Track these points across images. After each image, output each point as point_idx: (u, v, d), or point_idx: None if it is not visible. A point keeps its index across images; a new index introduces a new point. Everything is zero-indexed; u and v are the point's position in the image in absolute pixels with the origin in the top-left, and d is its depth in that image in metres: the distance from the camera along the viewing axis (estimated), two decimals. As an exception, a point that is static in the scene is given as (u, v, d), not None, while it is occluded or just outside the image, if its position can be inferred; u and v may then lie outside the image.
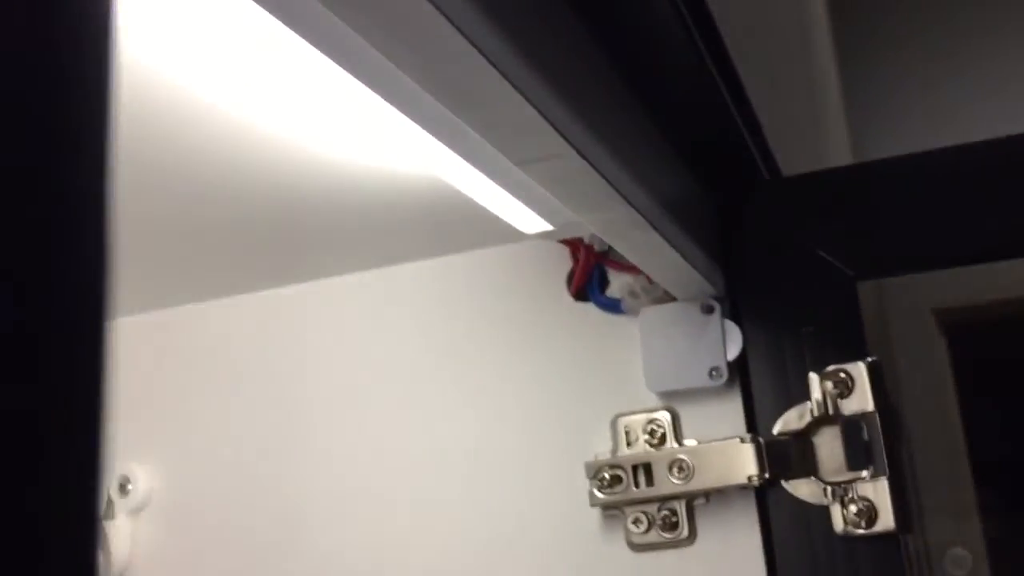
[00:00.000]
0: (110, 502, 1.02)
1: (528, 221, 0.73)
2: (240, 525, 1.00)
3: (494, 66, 0.43)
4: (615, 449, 0.89)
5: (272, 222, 0.91)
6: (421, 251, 0.98)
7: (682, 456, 0.84)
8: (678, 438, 0.88)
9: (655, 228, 0.66)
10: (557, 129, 0.50)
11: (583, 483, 0.87)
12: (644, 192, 0.65)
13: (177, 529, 1.02)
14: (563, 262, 0.95)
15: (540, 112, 0.48)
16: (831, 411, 0.82)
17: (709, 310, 0.87)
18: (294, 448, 1.00)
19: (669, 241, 0.70)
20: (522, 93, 0.46)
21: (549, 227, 0.73)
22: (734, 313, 0.88)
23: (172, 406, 1.05)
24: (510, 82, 0.45)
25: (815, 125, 1.30)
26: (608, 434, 0.90)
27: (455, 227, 0.94)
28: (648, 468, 0.86)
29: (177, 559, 1.02)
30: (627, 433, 0.89)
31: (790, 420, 0.83)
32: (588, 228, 0.68)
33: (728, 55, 0.75)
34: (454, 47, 0.41)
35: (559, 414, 0.93)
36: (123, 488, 1.02)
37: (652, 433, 0.88)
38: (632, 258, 0.76)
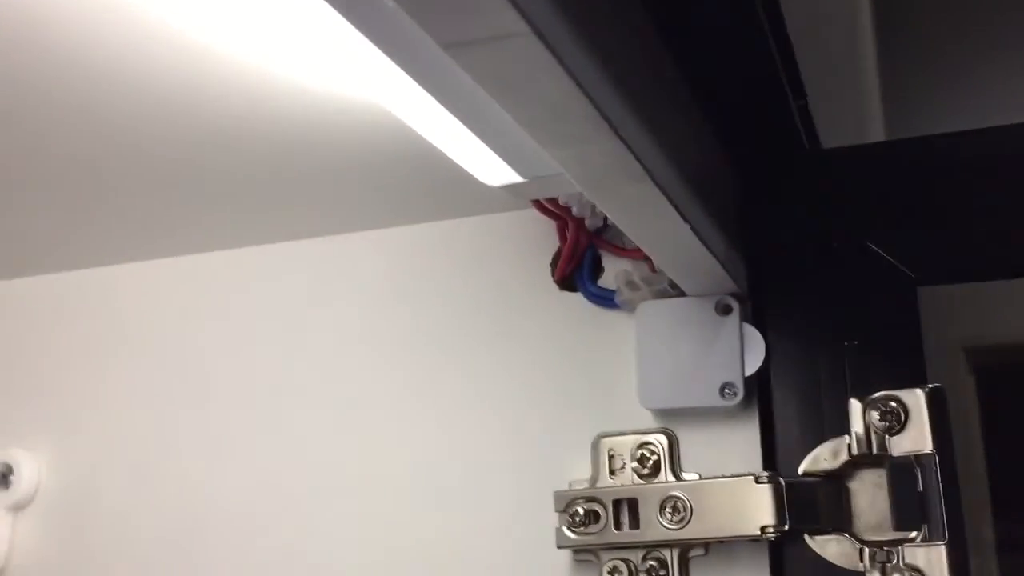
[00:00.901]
0: (-12, 495, 0.85)
1: (491, 169, 0.54)
2: (138, 528, 0.82)
3: None
4: (595, 477, 0.71)
5: (195, 176, 0.74)
6: (375, 218, 0.80)
7: (678, 494, 0.66)
8: (675, 469, 0.69)
9: (656, 182, 0.48)
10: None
11: (552, 517, 0.69)
12: (641, 126, 0.46)
13: (65, 529, 0.85)
14: (549, 240, 0.76)
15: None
16: (876, 450, 0.63)
17: (726, 310, 0.69)
18: (207, 442, 0.82)
19: (676, 206, 0.52)
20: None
21: (518, 178, 0.54)
22: (757, 317, 0.69)
23: (66, 385, 0.87)
24: None
25: (857, 97, 1.11)
26: (588, 457, 0.71)
27: (417, 190, 0.76)
28: (634, 505, 0.67)
29: (64, 565, 0.84)
30: (612, 458, 0.71)
31: (821, 457, 0.65)
32: (571, 185, 0.50)
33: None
34: None
35: (530, 428, 0.74)
36: (3, 479, 0.85)
37: (643, 460, 0.70)
38: (628, 229, 0.57)
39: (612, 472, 0.70)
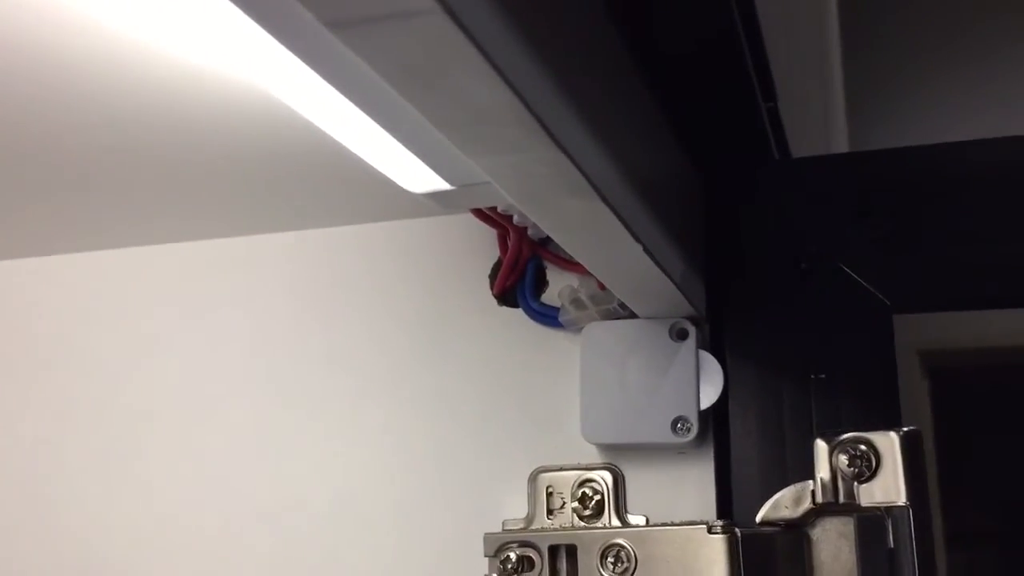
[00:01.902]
0: None
1: (413, 174, 0.47)
2: (24, 561, 0.73)
3: None
4: (532, 516, 0.63)
5: (87, 168, 0.65)
6: (289, 219, 0.72)
7: (621, 542, 0.58)
8: (620, 511, 0.62)
9: (604, 198, 0.41)
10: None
11: (483, 561, 0.61)
12: (586, 130, 0.39)
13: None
14: (488, 249, 0.69)
15: None
16: (843, 498, 0.56)
17: (681, 335, 0.62)
18: (103, 463, 0.73)
19: (627, 224, 0.44)
20: None
21: (445, 186, 0.47)
22: (715, 343, 0.62)
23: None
24: None
25: (825, 108, 1.04)
26: (524, 494, 0.64)
27: (336, 189, 0.67)
28: (573, 552, 0.60)
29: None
30: (550, 496, 0.63)
31: (782, 504, 0.58)
32: (506, 195, 0.43)
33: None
34: None
35: (461, 459, 0.67)
36: None
37: (584, 500, 0.62)
38: (570, 248, 0.50)
39: (550, 511, 0.63)
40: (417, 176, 0.47)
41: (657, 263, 0.50)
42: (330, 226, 0.71)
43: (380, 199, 0.68)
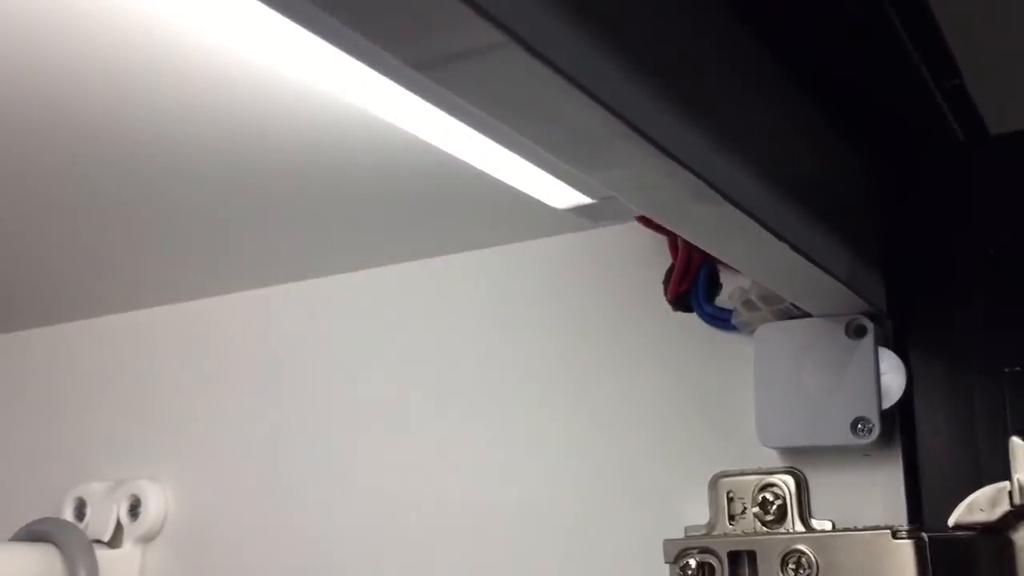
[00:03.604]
0: (118, 527, 0.86)
1: (555, 192, 0.48)
2: (265, 558, 0.81)
3: None
4: (714, 522, 0.63)
5: (299, 204, 0.72)
6: (473, 239, 0.75)
7: (803, 548, 0.57)
8: (804, 516, 0.60)
9: (735, 202, 0.40)
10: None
11: (662, 569, 0.62)
12: (706, 134, 0.39)
13: (193, 560, 0.85)
14: (661, 255, 0.69)
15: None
16: (1045, 500, 0.52)
17: (859, 332, 0.59)
18: (326, 472, 0.80)
19: (768, 226, 0.44)
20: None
21: (586, 199, 0.48)
22: (898, 339, 0.59)
23: (191, 415, 0.87)
24: None
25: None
26: (705, 499, 0.64)
27: (515, 206, 0.70)
28: (754, 558, 0.59)
29: (193, 598, 0.85)
30: (731, 501, 0.63)
31: (977, 506, 0.54)
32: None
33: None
34: None
35: (643, 464, 0.67)
36: (133, 511, 0.86)
37: (766, 505, 0.61)
38: (716, 253, 0.50)
39: (732, 517, 0.62)
40: (559, 193, 0.49)
41: (813, 261, 0.49)
42: (510, 243, 0.74)
43: (552, 215, 0.70)
